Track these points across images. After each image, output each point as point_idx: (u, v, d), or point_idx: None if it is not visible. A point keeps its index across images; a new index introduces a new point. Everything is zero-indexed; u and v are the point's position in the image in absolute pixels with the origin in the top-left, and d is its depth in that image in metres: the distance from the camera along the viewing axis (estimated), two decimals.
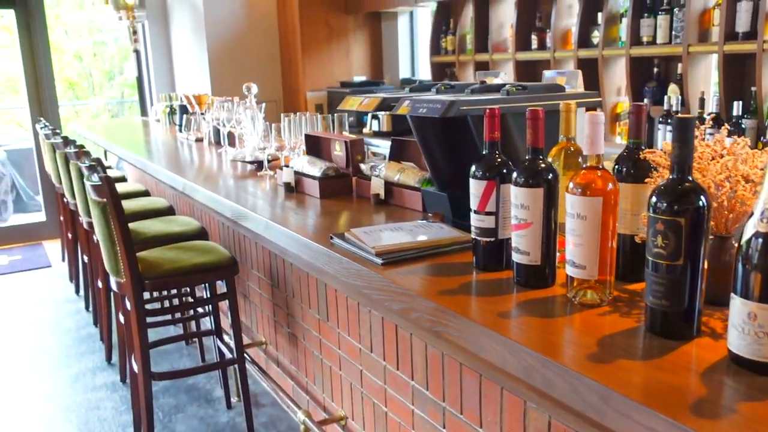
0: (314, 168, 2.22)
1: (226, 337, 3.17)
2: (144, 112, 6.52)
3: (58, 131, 4.47)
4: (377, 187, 2.01)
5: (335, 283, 2.23)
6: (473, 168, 1.34)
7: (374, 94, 1.87)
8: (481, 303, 1.24)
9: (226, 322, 3.31)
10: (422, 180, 1.92)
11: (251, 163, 2.88)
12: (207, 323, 3.63)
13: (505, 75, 3.91)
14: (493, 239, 1.35)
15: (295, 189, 2.30)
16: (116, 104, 10.90)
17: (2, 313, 4.43)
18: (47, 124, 5.00)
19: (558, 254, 1.29)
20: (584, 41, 3.97)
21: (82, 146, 3.50)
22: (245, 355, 2.98)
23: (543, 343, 1.03)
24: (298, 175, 2.27)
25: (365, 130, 4.81)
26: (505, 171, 1.33)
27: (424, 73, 5.84)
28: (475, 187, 1.34)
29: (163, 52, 6.33)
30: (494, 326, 1.10)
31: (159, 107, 5.12)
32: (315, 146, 2.45)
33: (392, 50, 5.86)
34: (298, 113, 2.61)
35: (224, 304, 3.40)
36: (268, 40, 5.80)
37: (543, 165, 1.24)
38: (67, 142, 3.89)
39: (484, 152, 1.35)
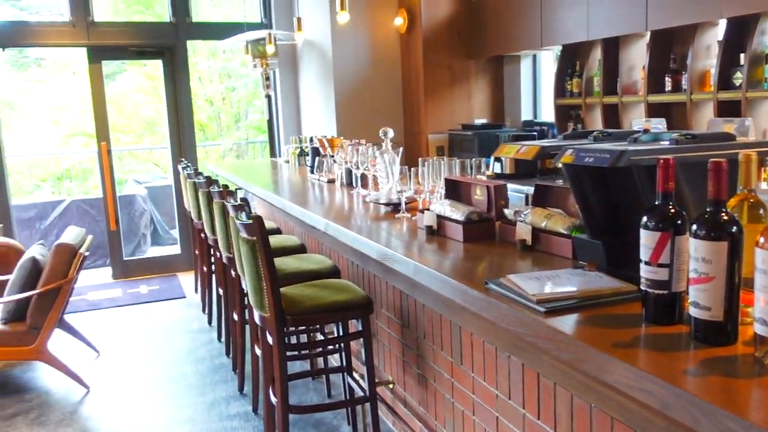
0: (457, 212, 2.25)
1: (355, 375, 3.23)
2: (273, 153, 6.86)
3: (200, 171, 4.79)
4: (524, 232, 2.01)
5: (482, 330, 2.23)
6: (645, 218, 1.32)
7: (531, 142, 1.89)
8: (660, 358, 1.20)
9: (353, 359, 3.37)
10: (572, 227, 1.90)
11: (387, 204, 2.96)
12: (335, 359, 3.73)
13: (664, 122, 3.83)
14: (665, 292, 1.32)
15: (436, 232, 2.34)
16: (241, 145, 11.54)
17: (145, 339, 4.74)
18: (189, 164, 5.38)
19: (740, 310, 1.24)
20: (725, 83, 3.81)
21: (226, 186, 3.73)
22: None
23: (743, 407, 0.99)
24: (440, 218, 2.31)
25: (488, 173, 4.82)
26: (679, 222, 1.30)
27: (547, 116, 5.80)
28: (647, 238, 1.31)
29: (292, 97, 6.67)
30: (682, 384, 1.06)
31: (289, 149, 5.38)
32: (454, 190, 2.49)
33: (514, 93, 5.88)
34: (434, 158, 2.67)
35: (354, 342, 3.49)
36: (391, 85, 5.98)
37: (726, 217, 1.20)
38: (210, 182, 4.16)
39: (656, 203, 1.33)
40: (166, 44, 6.24)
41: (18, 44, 6.32)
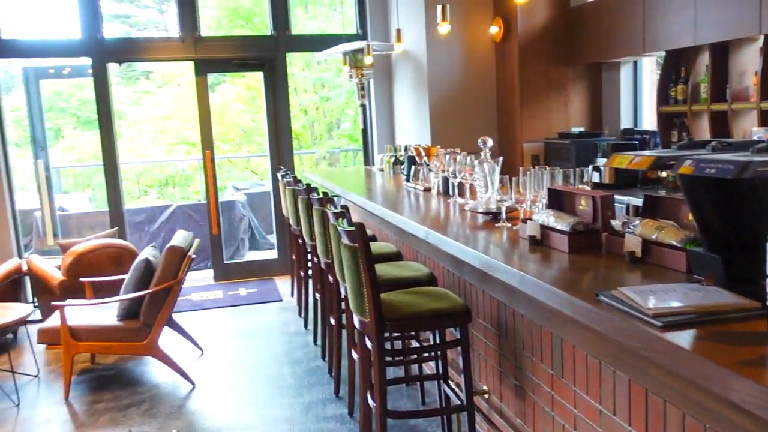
0: (562, 222, 2.23)
1: (451, 383, 3.23)
2: (367, 161, 6.98)
3: (299, 179, 4.95)
4: (633, 245, 1.97)
5: (586, 342, 2.20)
6: None
7: (645, 152, 1.86)
8: None
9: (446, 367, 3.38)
10: (686, 240, 1.84)
11: (486, 214, 2.96)
12: (428, 366, 3.75)
13: None
14: None
15: (540, 242, 2.32)
16: (334, 153, 11.79)
17: (245, 339, 4.93)
18: (288, 171, 5.57)
19: None
20: None
21: (326, 194, 3.85)
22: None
23: None
24: (544, 228, 2.30)
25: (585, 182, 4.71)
26: None
27: (648, 124, 5.61)
28: None
29: (386, 106, 6.77)
30: None
31: (384, 157, 5.47)
32: (558, 200, 2.46)
33: (613, 100, 5.72)
34: (535, 167, 2.65)
35: (449, 350, 3.50)
36: (486, 93, 5.96)
37: None
38: (309, 189, 4.29)
39: None
40: (267, 56, 6.49)
41: (132, 59, 6.74)
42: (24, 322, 4.22)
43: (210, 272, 6.77)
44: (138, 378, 4.33)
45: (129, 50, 6.34)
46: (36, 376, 4.42)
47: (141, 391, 4.10)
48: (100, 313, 4.18)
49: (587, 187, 2.59)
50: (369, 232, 4.71)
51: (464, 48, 5.86)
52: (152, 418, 3.70)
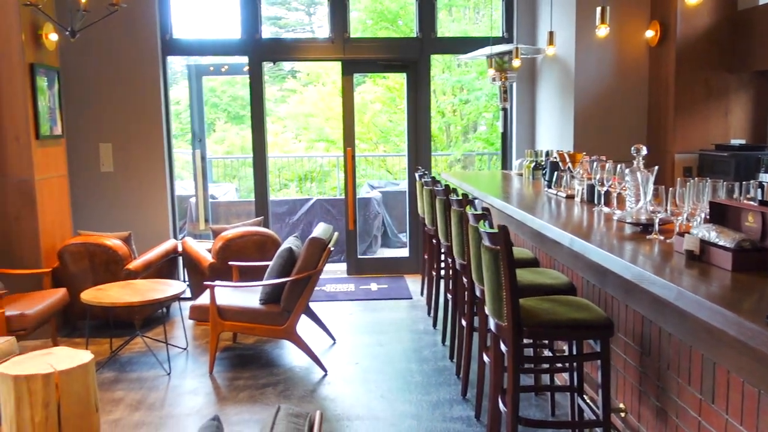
0: (725, 238, 2.09)
1: (585, 397, 3.13)
2: (505, 165, 6.90)
3: (438, 180, 4.98)
4: None
5: (743, 368, 2.05)
6: None
7: None
8: None
9: (581, 380, 3.27)
10: None
11: (635, 224, 2.83)
12: (560, 377, 3.65)
13: None
14: None
15: (698, 258, 2.19)
16: (469, 156, 11.75)
17: (375, 333, 5.05)
18: (426, 172, 5.62)
19: None
20: None
21: (465, 195, 3.85)
22: None
23: None
24: (704, 243, 2.16)
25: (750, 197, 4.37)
26: None
27: None
28: None
29: (527, 110, 6.66)
30: None
31: (523, 162, 5.38)
32: (720, 214, 2.31)
33: None
34: (695, 178, 2.49)
35: (586, 363, 3.39)
36: (636, 100, 5.70)
37: None
38: (447, 190, 4.32)
39: None
40: (411, 58, 6.59)
41: (285, 58, 7.10)
42: (177, 298, 4.58)
43: (344, 266, 6.98)
44: (275, 360, 4.56)
45: (282, 50, 6.69)
46: (185, 349, 4.78)
47: (277, 373, 4.31)
48: (244, 296, 4.45)
49: (754, 203, 2.41)
50: None
51: (616, 52, 5.63)
52: (286, 399, 3.88)
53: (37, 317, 4.29)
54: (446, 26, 11.73)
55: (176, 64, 10.11)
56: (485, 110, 11.71)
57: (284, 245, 4.45)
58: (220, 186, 9.88)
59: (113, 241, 5.03)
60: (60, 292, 4.68)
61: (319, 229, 4.45)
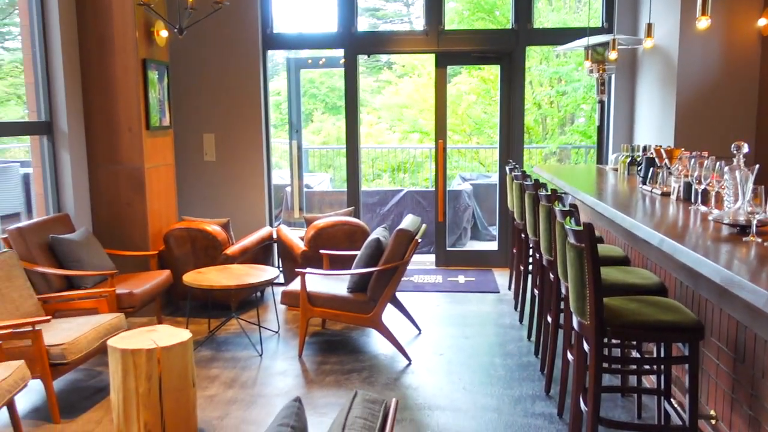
0: None
1: (672, 401, 3.03)
2: (600, 159, 6.71)
3: (528, 174, 4.93)
4: None
5: None
6: None
7: None
8: None
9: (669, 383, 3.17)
10: None
11: (732, 225, 2.71)
12: (647, 379, 3.55)
13: None
14: None
15: None
16: (565, 149, 11.47)
17: (460, 325, 5.08)
18: (516, 165, 5.57)
19: None
20: None
21: (554, 191, 3.80)
22: None
23: None
24: None
25: None
26: None
27: None
28: None
29: (626, 103, 6.43)
30: None
31: (619, 156, 5.22)
32: None
33: None
34: None
35: (674, 366, 3.28)
36: (745, 94, 5.38)
37: None
38: (537, 184, 4.27)
39: None
40: (505, 50, 6.52)
41: (379, 51, 7.20)
42: (271, 283, 4.79)
43: (432, 257, 7.03)
44: (361, 347, 4.69)
45: (376, 43, 6.79)
46: (277, 332, 5.00)
47: (362, 359, 4.43)
48: (333, 284, 4.60)
49: None
50: (597, 233, 4.56)
51: (723, 42, 5.34)
52: (370, 385, 3.99)
53: (144, 296, 4.62)
54: (545, 16, 11.47)
55: (276, 57, 10.46)
56: (583, 102, 11.38)
57: (372, 236, 4.55)
58: (315, 175, 10.17)
59: (213, 227, 5.32)
60: (164, 274, 5.01)
61: (407, 221, 4.52)
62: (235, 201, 6.44)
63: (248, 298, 5.69)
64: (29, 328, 3.49)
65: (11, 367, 3.22)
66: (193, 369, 3.42)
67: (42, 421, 3.60)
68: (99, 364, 4.35)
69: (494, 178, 8.07)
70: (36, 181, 5.20)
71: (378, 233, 4.58)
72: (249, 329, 4.97)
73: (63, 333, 3.72)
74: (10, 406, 3.35)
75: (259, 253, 5.74)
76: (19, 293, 3.98)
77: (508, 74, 6.59)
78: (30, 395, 3.89)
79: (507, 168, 5.63)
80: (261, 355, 4.51)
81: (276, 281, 4.88)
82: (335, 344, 4.74)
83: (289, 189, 7.92)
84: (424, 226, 4.67)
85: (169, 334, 3.41)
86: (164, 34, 5.50)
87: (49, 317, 3.72)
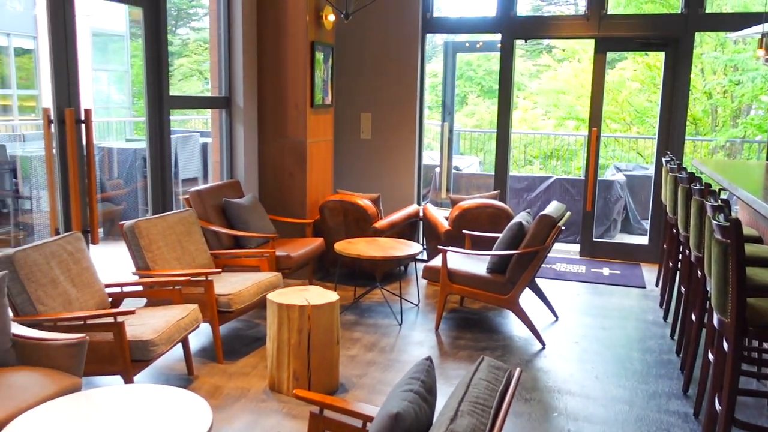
0: None
1: None
2: None
3: (684, 166, 4.75)
4: None
5: None
6: None
7: None
8: None
9: None
10: None
11: None
12: None
13: None
14: None
15: None
16: (735, 144, 10.67)
17: (599, 317, 5.03)
18: (673, 157, 5.36)
19: None
20: None
21: (708, 185, 3.66)
22: None
23: None
24: None
25: None
26: None
27: None
28: None
29: None
30: None
31: None
32: None
33: None
34: None
35: None
36: None
37: None
38: (692, 178, 4.12)
39: None
40: (671, 36, 6.22)
41: (537, 36, 7.14)
42: (414, 258, 5.03)
43: (576, 247, 6.94)
44: (496, 327, 4.81)
45: (535, 27, 6.75)
46: (416, 305, 5.25)
47: (496, 339, 4.56)
48: (473, 263, 4.74)
49: None
50: (756, 233, 4.31)
51: None
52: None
53: (299, 259, 5.05)
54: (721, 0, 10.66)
55: (435, 38, 10.66)
56: (762, 92, 10.47)
57: (515, 219, 4.63)
58: (465, 158, 10.30)
59: (364, 201, 5.66)
60: (319, 241, 5.43)
61: (551, 207, 4.55)
62: (386, 178, 6.76)
63: (392, 271, 6.00)
64: (203, 278, 4.00)
65: (188, 309, 3.73)
66: (338, 328, 3.75)
67: (208, 360, 4.12)
68: (257, 317, 4.85)
69: (651, 170, 7.74)
70: (214, 149, 5.83)
71: (521, 217, 4.65)
72: (391, 300, 5.26)
73: (230, 285, 4.21)
74: (185, 342, 3.88)
75: (406, 229, 6.01)
76: (195, 247, 4.54)
77: (672, 61, 6.29)
78: (199, 337, 4.45)
79: (663, 160, 5.42)
80: (400, 325, 4.78)
81: (419, 257, 5.11)
82: (471, 322, 4.90)
83: (438, 170, 8.13)
84: (568, 213, 4.67)
85: (320, 295, 3.76)
86: (331, 18, 5.88)
87: (220, 270, 4.23)
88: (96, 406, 2.43)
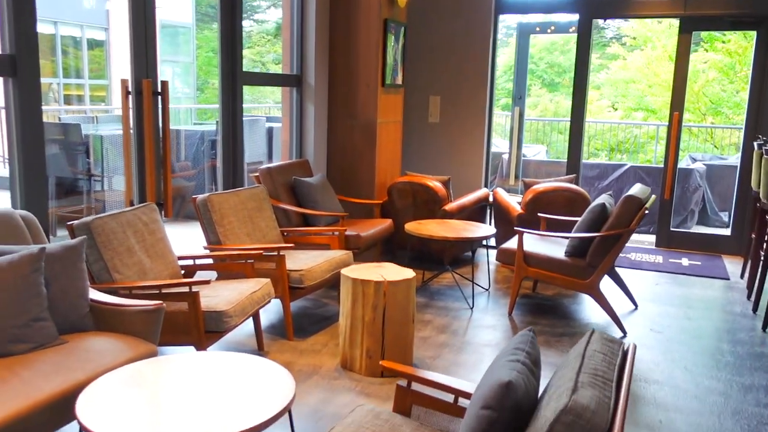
0: None
1: None
2: None
3: None
4: None
5: None
6: None
7: None
8: None
9: None
10: None
11: None
12: None
13: None
14: None
15: None
16: None
17: (681, 307, 4.76)
18: (766, 140, 5.03)
19: None
20: None
21: None
22: None
23: None
24: None
25: None
26: None
27: None
28: None
29: None
30: None
31: None
32: None
33: None
34: None
35: None
36: None
37: None
38: None
39: None
40: (766, 13, 5.85)
41: (617, 15, 6.84)
42: (486, 239, 4.87)
43: (651, 237, 6.64)
44: (572, 314, 4.61)
45: (615, 6, 6.46)
46: (487, 289, 5.09)
47: (573, 325, 4.36)
48: (550, 246, 4.55)
49: None
50: None
51: None
52: None
53: (368, 239, 4.95)
54: None
55: (507, 20, 10.40)
56: None
57: (597, 201, 4.42)
58: (531, 147, 10.03)
59: (434, 183, 5.52)
60: (387, 222, 5.33)
61: (636, 188, 4.32)
62: (453, 163, 6.60)
63: (460, 256, 5.85)
64: (275, 253, 3.94)
65: (261, 283, 3.68)
66: (414, 307, 3.63)
67: (278, 337, 4.06)
68: (324, 297, 4.78)
69: (731, 161, 7.35)
70: (283, 128, 5.79)
71: (603, 199, 4.44)
72: (461, 284, 5.11)
73: (301, 261, 4.14)
74: (255, 317, 3.84)
75: (475, 213, 5.84)
76: (266, 223, 4.49)
77: (765, 42, 5.92)
78: (267, 314, 4.41)
79: (755, 144, 5.10)
80: (472, 308, 4.64)
81: (489, 244, 4.95)
82: (546, 308, 4.71)
83: (506, 156, 7.93)
84: (653, 197, 4.43)
85: (395, 271, 3.64)
86: None
87: (292, 245, 4.16)
88: (178, 369, 2.38)
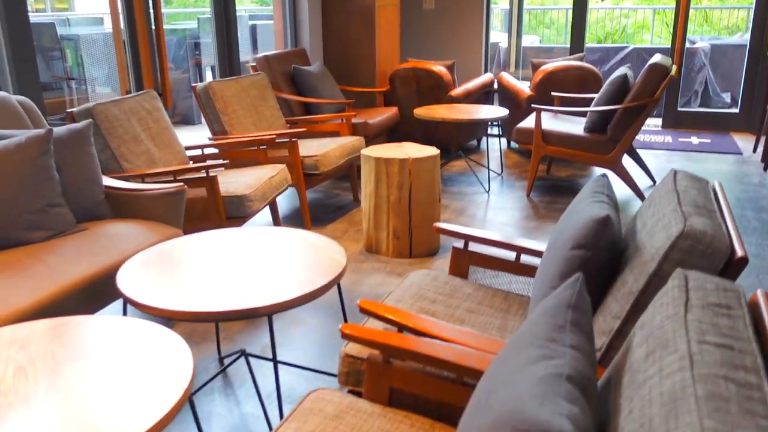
0: None
1: None
2: None
3: None
4: None
5: None
6: None
7: None
8: None
9: None
10: None
11: None
12: None
13: None
14: None
15: None
16: None
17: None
18: None
19: None
20: None
21: None
22: None
23: None
24: None
25: None
26: None
27: None
28: None
29: None
30: None
31: None
32: None
33: None
34: None
35: None
36: None
37: None
38: None
39: None
40: None
41: None
42: (500, 120, 4.69)
43: (657, 120, 6.51)
44: None
45: None
46: (500, 174, 4.97)
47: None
48: (567, 124, 4.40)
49: None
50: None
51: None
52: None
53: (376, 127, 4.75)
54: None
55: None
56: None
57: (617, 72, 4.23)
58: (523, 37, 9.68)
59: (439, 68, 5.27)
60: (393, 110, 5.11)
61: (657, 58, 4.13)
62: (451, 51, 6.31)
63: (466, 145, 5.69)
64: (287, 139, 3.74)
65: (277, 168, 3.50)
66: (440, 185, 3.49)
67: (295, 226, 3.92)
68: (335, 188, 4.63)
69: (734, 39, 7.13)
70: (276, 17, 5.43)
71: (623, 71, 4.25)
72: (477, 170, 4.98)
73: (314, 148, 3.95)
74: (272, 206, 3.68)
75: (480, 99, 5.64)
76: (270, 112, 4.26)
77: None
78: (282, 206, 4.25)
79: None
80: (488, 192, 4.52)
81: (497, 132, 4.78)
82: (563, 188, 4.61)
83: (502, 45, 7.63)
84: (674, 66, 4.25)
85: (417, 150, 3.48)
86: None
87: (304, 129, 3.96)
88: (220, 241, 2.23)
